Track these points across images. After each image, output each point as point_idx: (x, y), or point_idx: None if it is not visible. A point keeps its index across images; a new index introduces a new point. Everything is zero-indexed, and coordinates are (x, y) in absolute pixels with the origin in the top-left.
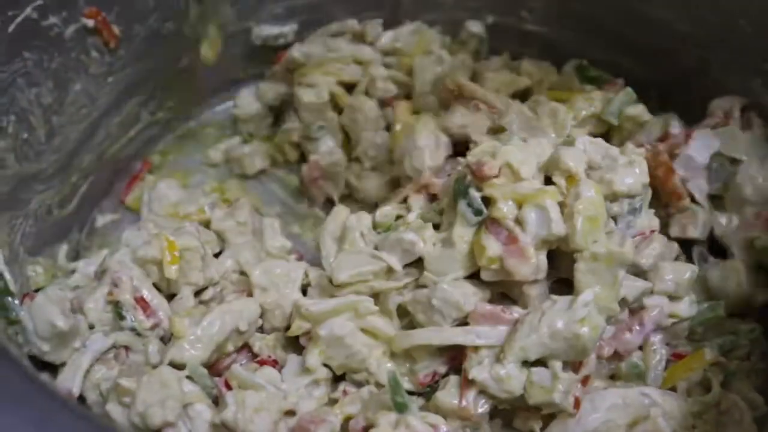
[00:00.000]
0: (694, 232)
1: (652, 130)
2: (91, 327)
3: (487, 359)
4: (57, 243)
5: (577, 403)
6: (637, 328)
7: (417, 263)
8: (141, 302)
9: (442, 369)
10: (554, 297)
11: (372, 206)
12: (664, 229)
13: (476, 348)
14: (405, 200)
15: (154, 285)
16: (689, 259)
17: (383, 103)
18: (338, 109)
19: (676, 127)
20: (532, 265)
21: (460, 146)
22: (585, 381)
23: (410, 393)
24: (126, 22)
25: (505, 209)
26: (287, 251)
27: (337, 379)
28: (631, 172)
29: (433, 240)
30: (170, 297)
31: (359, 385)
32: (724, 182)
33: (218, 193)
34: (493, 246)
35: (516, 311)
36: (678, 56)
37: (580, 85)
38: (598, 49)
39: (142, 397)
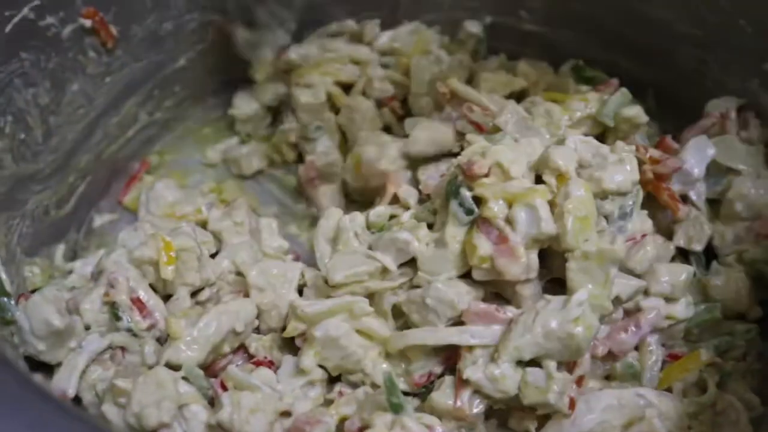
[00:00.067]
0: (699, 246)
1: (647, 134)
2: (87, 328)
3: (481, 359)
4: (54, 243)
5: (572, 404)
6: (633, 329)
7: (411, 263)
8: (137, 303)
9: (438, 369)
10: (548, 297)
11: (369, 206)
12: (666, 232)
13: (471, 348)
14: (396, 200)
15: (151, 286)
16: (685, 258)
17: (380, 104)
18: (335, 110)
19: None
20: (522, 264)
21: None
22: (580, 381)
23: (406, 394)
24: (124, 23)
25: (496, 209)
26: (284, 251)
27: (332, 380)
28: (621, 169)
29: (427, 240)
30: (166, 298)
31: (355, 386)
32: (722, 189)
33: (216, 193)
34: (484, 245)
35: (510, 310)
36: (676, 56)
37: (576, 85)
38: (597, 49)
39: (137, 397)
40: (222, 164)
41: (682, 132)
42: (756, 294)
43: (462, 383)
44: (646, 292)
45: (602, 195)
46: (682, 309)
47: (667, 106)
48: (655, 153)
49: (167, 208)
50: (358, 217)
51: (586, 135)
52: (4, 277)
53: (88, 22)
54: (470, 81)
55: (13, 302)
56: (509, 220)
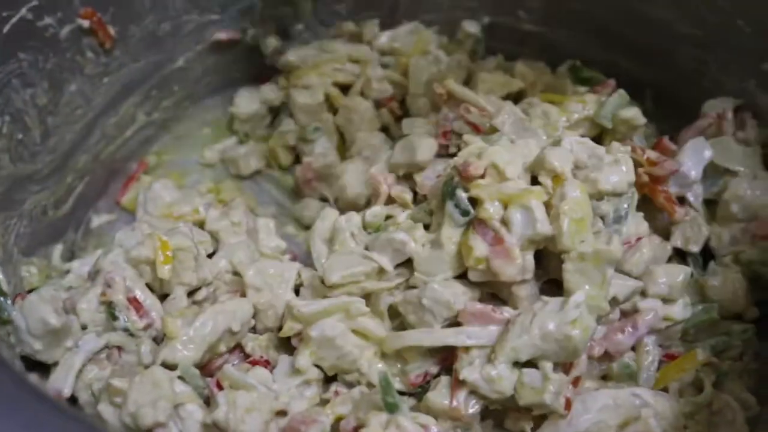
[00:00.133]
0: (695, 247)
1: (644, 135)
2: (84, 327)
3: (477, 360)
4: (52, 243)
5: (568, 404)
6: (630, 330)
7: (408, 264)
8: (134, 302)
9: (434, 369)
10: (545, 298)
11: (365, 206)
12: (664, 233)
13: (467, 348)
14: (391, 201)
15: (147, 285)
16: (682, 259)
17: (379, 104)
18: (333, 110)
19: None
20: (517, 265)
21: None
22: (576, 382)
23: (401, 393)
24: (122, 23)
25: (492, 210)
26: (281, 251)
27: (328, 379)
28: (616, 170)
29: (423, 240)
30: (163, 297)
31: (351, 385)
32: (719, 190)
33: (214, 193)
34: (480, 247)
35: (506, 311)
36: (675, 56)
37: (574, 86)
38: (595, 49)
39: (133, 397)
40: (220, 164)
41: (679, 132)
42: (753, 294)
43: (458, 383)
44: (643, 293)
45: (598, 196)
46: (680, 310)
47: (665, 107)
48: (652, 155)
49: (165, 208)
50: (355, 218)
51: (583, 136)
52: (1, 277)
53: (86, 23)
54: (468, 82)
55: (9, 302)
56: (505, 222)
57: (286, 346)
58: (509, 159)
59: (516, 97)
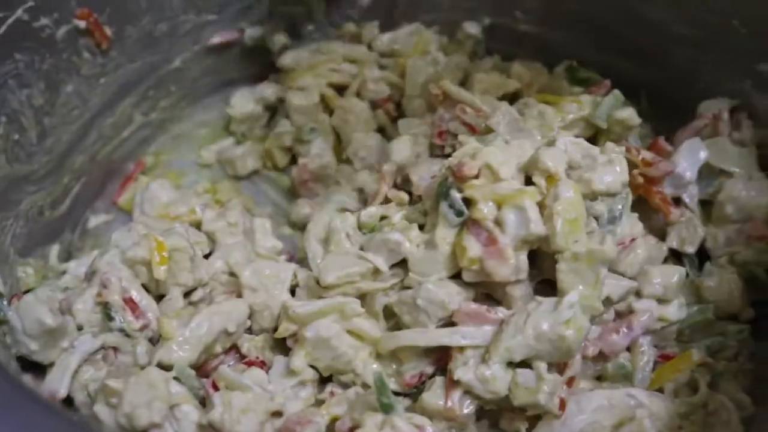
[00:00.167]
0: (691, 248)
1: (640, 135)
2: (80, 328)
3: (472, 360)
4: (48, 244)
5: (562, 405)
6: (625, 330)
7: (403, 264)
8: (130, 303)
9: (429, 370)
10: (539, 298)
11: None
12: (660, 233)
13: (461, 349)
14: (386, 200)
15: (143, 286)
16: (678, 259)
17: (375, 105)
18: (329, 111)
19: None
20: (511, 266)
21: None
22: (570, 382)
23: (397, 394)
24: (118, 24)
25: (485, 210)
26: (278, 252)
27: (324, 380)
28: (610, 170)
29: (418, 241)
30: (159, 298)
31: (346, 386)
32: (714, 190)
33: (211, 193)
34: (473, 247)
35: (501, 311)
36: (671, 57)
37: (570, 86)
38: (592, 50)
39: (128, 398)
40: (217, 165)
41: (675, 133)
42: (748, 295)
43: (453, 384)
44: (638, 294)
45: (591, 196)
46: (675, 311)
47: (661, 107)
48: (647, 155)
49: (161, 208)
50: (350, 218)
51: (578, 137)
52: None
53: (82, 24)
54: (464, 82)
55: (5, 302)
56: (498, 222)
57: (282, 346)
58: (503, 159)
59: (512, 98)
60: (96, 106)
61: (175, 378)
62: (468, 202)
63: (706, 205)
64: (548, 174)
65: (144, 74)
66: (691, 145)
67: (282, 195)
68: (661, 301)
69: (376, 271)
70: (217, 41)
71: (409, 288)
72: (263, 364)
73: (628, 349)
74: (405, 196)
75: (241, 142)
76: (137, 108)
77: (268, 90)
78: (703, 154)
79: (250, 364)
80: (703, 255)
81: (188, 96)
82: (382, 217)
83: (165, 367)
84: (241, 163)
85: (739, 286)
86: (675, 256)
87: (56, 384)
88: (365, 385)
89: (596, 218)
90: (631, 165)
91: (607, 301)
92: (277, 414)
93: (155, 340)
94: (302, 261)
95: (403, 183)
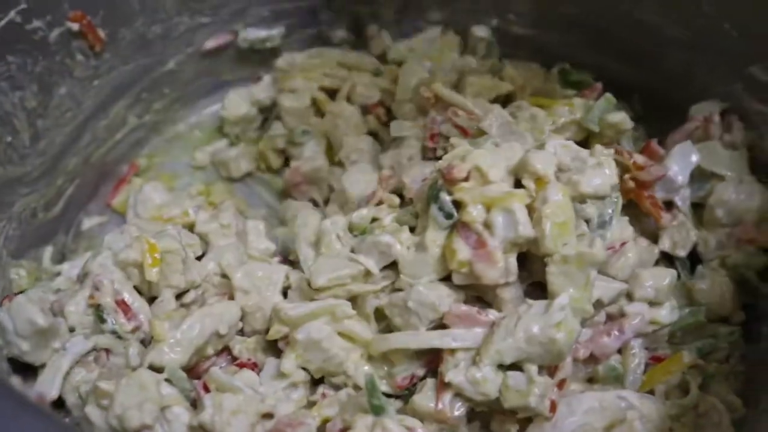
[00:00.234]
0: (683, 252)
1: (633, 138)
2: (72, 330)
3: (463, 362)
4: (42, 246)
5: (553, 407)
6: (616, 333)
7: (393, 266)
8: (122, 305)
9: (420, 372)
10: (530, 301)
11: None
12: (652, 235)
13: (452, 351)
14: (380, 203)
15: (136, 288)
16: (669, 261)
17: (365, 110)
18: (321, 114)
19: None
20: (499, 269)
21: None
22: (561, 384)
23: (388, 396)
24: (111, 26)
25: (474, 213)
26: (271, 254)
27: (315, 381)
28: (599, 173)
29: (408, 243)
30: (151, 300)
31: (337, 388)
32: (705, 193)
33: (204, 195)
34: (462, 250)
35: (492, 313)
36: (664, 60)
37: (563, 89)
38: (585, 53)
39: (119, 399)
40: (211, 167)
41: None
42: (739, 298)
43: (443, 386)
44: (630, 297)
45: (580, 198)
46: (667, 314)
47: (654, 110)
48: (639, 159)
49: (155, 210)
50: (340, 220)
51: (570, 140)
52: None
53: (75, 26)
54: (457, 85)
55: None
56: (487, 225)
57: (274, 348)
58: (492, 162)
59: (505, 101)
60: (89, 109)
61: (167, 380)
62: (458, 204)
63: (698, 208)
64: (537, 177)
65: (137, 76)
66: (682, 149)
67: (275, 197)
68: (653, 303)
69: (367, 274)
70: (211, 45)
71: (400, 290)
72: (255, 366)
73: (620, 351)
74: (396, 199)
75: (235, 144)
76: (131, 110)
77: (262, 92)
78: (694, 158)
79: (241, 365)
80: (694, 257)
81: (182, 98)
82: (373, 219)
83: (156, 369)
84: (234, 165)
85: (731, 289)
86: (666, 258)
87: (48, 385)
88: (356, 387)
89: (586, 221)
90: (623, 168)
91: (598, 304)
92: (268, 416)
93: (147, 342)
94: (295, 263)
95: (395, 185)
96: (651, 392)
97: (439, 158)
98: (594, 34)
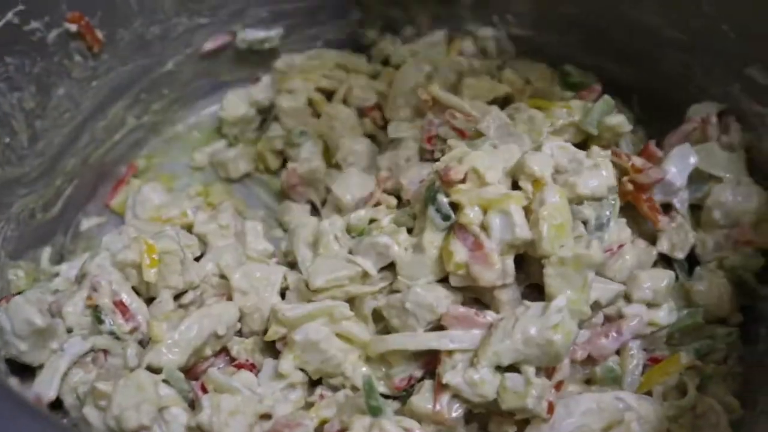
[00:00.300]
0: (681, 254)
1: (632, 142)
2: (70, 331)
3: (460, 364)
4: (40, 246)
5: (550, 408)
6: (614, 335)
7: (391, 267)
8: (120, 306)
9: (418, 373)
10: (527, 303)
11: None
12: (650, 237)
13: (450, 352)
14: (378, 204)
15: (134, 289)
16: (667, 262)
17: (362, 113)
18: (318, 116)
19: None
20: (496, 271)
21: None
22: (558, 386)
23: (386, 397)
24: (110, 27)
25: (471, 215)
26: (269, 254)
27: (313, 383)
28: (596, 174)
29: (406, 244)
30: (150, 301)
31: (335, 389)
32: (703, 195)
33: (203, 196)
34: (460, 251)
35: (489, 315)
36: (662, 61)
37: (562, 91)
38: (583, 54)
39: (117, 400)
40: (209, 167)
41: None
42: (737, 300)
43: (441, 387)
44: (628, 299)
45: (577, 200)
46: (665, 315)
47: (652, 111)
48: (637, 161)
49: (153, 211)
50: (338, 221)
51: (568, 142)
52: None
53: (73, 27)
54: (456, 86)
55: None
56: (484, 226)
57: (272, 349)
58: (489, 164)
59: (502, 103)
60: (88, 109)
61: (165, 380)
62: (455, 206)
63: (695, 209)
64: (534, 178)
65: (136, 77)
66: (681, 151)
67: (274, 198)
68: (651, 305)
69: (364, 275)
70: (210, 46)
71: (397, 291)
72: (253, 367)
73: (617, 352)
74: (393, 200)
75: (234, 145)
76: (129, 111)
77: (261, 93)
78: (693, 160)
79: (239, 366)
80: (692, 259)
81: (180, 99)
82: (371, 220)
83: (154, 370)
84: (233, 165)
85: (729, 291)
86: (665, 260)
87: (45, 386)
88: (354, 388)
89: (584, 223)
90: (621, 171)
91: (596, 305)
92: (266, 417)
93: (145, 343)
94: (293, 264)
95: (393, 187)
96: (649, 393)
97: (437, 160)
98: (591, 35)
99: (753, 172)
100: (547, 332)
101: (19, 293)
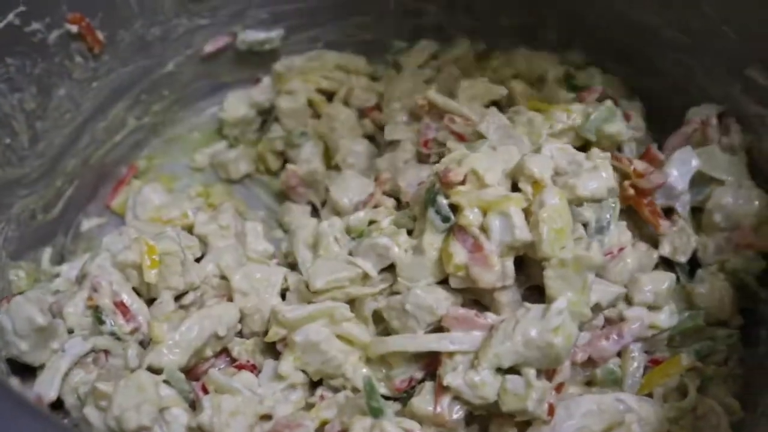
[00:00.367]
0: (683, 258)
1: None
2: (71, 331)
3: (461, 365)
4: (41, 247)
5: (551, 410)
6: (615, 337)
7: (391, 269)
8: (121, 307)
9: (419, 375)
10: (527, 305)
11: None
12: (652, 240)
13: (451, 354)
14: (377, 205)
15: (134, 289)
16: (668, 264)
17: (362, 113)
18: (318, 117)
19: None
20: (496, 272)
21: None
22: (559, 388)
23: (387, 398)
24: (110, 28)
25: (471, 216)
26: (269, 255)
27: (314, 383)
28: (596, 176)
29: (406, 246)
30: (150, 301)
31: (336, 390)
32: (704, 198)
33: (204, 197)
34: (459, 253)
35: (490, 316)
36: (663, 62)
37: (567, 93)
38: (583, 55)
39: (118, 401)
40: (210, 168)
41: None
42: (738, 302)
43: (442, 389)
44: (629, 301)
45: (577, 201)
46: (666, 318)
47: (654, 113)
48: (639, 166)
49: (154, 212)
50: (337, 222)
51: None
52: None
53: (74, 28)
54: (453, 90)
55: None
56: (484, 228)
57: (273, 350)
58: (489, 166)
59: (500, 106)
60: (88, 110)
61: (165, 381)
62: (455, 208)
63: (696, 212)
64: (534, 180)
65: (137, 78)
66: (682, 154)
67: (274, 199)
68: (652, 308)
69: (365, 276)
70: (210, 48)
71: (397, 293)
72: (254, 368)
73: (618, 354)
74: (391, 203)
75: (234, 145)
76: (130, 112)
77: (261, 94)
78: (694, 163)
79: (240, 367)
80: (693, 261)
81: (181, 100)
82: (371, 222)
83: (155, 371)
84: (233, 166)
85: (730, 293)
86: (666, 262)
87: (46, 386)
88: (355, 389)
89: (584, 225)
90: (623, 175)
91: (596, 308)
92: (267, 417)
93: (146, 344)
94: (294, 265)
95: (391, 189)
96: (649, 395)
97: (435, 163)
98: (591, 36)
99: (754, 175)
100: (547, 335)
101: (19, 294)
